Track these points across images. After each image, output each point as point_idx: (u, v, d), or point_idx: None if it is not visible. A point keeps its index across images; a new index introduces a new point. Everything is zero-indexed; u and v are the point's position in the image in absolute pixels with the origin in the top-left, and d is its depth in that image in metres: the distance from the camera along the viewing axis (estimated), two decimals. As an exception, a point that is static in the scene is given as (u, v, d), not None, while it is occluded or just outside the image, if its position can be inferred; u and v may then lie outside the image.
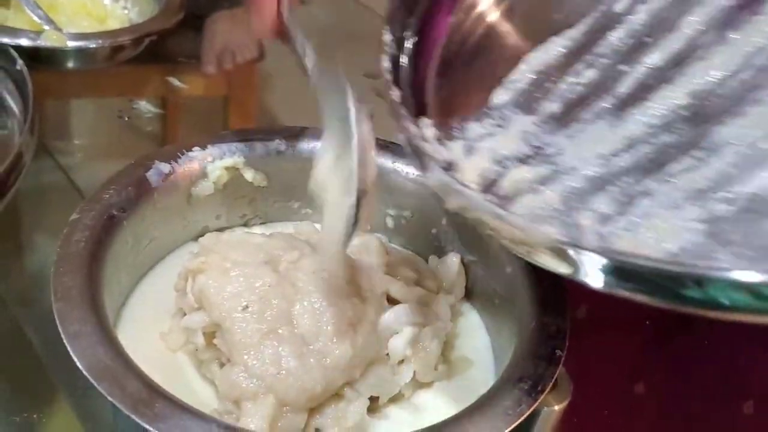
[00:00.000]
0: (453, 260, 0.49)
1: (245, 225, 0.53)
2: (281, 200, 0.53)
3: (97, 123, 0.74)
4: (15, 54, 0.59)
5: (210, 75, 0.80)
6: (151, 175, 0.47)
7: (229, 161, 0.50)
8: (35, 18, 0.68)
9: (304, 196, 0.52)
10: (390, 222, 0.53)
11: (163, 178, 0.48)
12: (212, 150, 0.50)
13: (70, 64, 0.67)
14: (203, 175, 0.50)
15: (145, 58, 0.72)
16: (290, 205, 0.54)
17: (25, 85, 0.57)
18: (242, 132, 0.52)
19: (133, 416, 0.34)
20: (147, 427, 0.34)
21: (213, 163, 0.50)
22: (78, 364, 0.36)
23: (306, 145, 0.52)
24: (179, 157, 0.49)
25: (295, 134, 0.52)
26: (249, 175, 0.51)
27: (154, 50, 0.72)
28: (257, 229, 0.52)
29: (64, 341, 0.37)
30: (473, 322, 0.49)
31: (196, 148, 0.50)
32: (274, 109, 0.83)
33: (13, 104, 0.59)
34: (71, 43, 0.65)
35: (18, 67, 0.59)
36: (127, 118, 0.71)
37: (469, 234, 0.49)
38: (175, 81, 0.76)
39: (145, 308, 0.46)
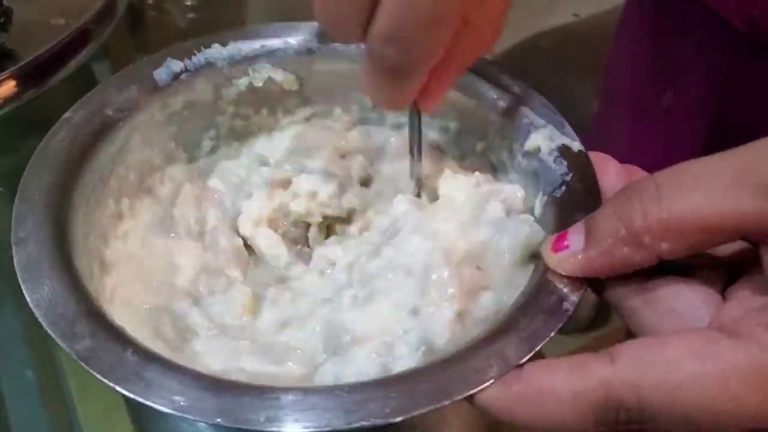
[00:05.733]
0: None
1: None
2: (315, 105, 0.47)
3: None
4: None
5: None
6: (160, 74, 0.43)
7: (253, 61, 0.45)
8: None
9: (341, 101, 0.47)
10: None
11: (174, 77, 0.43)
12: (235, 47, 0.45)
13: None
14: (222, 75, 0.45)
15: None
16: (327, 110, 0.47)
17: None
18: (268, 27, 0.46)
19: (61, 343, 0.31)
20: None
21: (236, 62, 0.45)
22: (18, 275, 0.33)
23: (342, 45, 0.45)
24: (195, 55, 0.44)
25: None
26: (278, 76, 0.46)
27: None
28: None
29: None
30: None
31: (215, 45, 0.44)
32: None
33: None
34: None
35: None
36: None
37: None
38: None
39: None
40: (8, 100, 0.57)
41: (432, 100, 0.37)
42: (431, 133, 0.45)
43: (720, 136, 0.53)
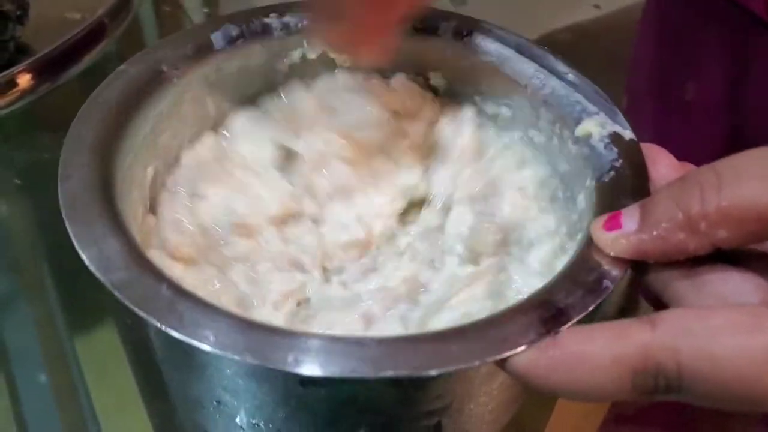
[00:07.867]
0: None
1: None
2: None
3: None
4: None
5: None
6: (216, 37, 0.43)
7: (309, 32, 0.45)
8: None
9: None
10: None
11: (230, 41, 0.44)
12: (292, 18, 0.45)
13: None
14: (279, 44, 0.45)
15: None
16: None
17: None
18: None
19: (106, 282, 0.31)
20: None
21: (290, 32, 0.45)
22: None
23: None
24: (252, 22, 0.44)
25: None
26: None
27: None
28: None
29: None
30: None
31: (273, 14, 0.45)
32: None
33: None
34: None
35: None
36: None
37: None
38: None
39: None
40: (24, 92, 0.58)
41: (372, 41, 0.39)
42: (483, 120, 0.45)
43: (743, 129, 0.52)
